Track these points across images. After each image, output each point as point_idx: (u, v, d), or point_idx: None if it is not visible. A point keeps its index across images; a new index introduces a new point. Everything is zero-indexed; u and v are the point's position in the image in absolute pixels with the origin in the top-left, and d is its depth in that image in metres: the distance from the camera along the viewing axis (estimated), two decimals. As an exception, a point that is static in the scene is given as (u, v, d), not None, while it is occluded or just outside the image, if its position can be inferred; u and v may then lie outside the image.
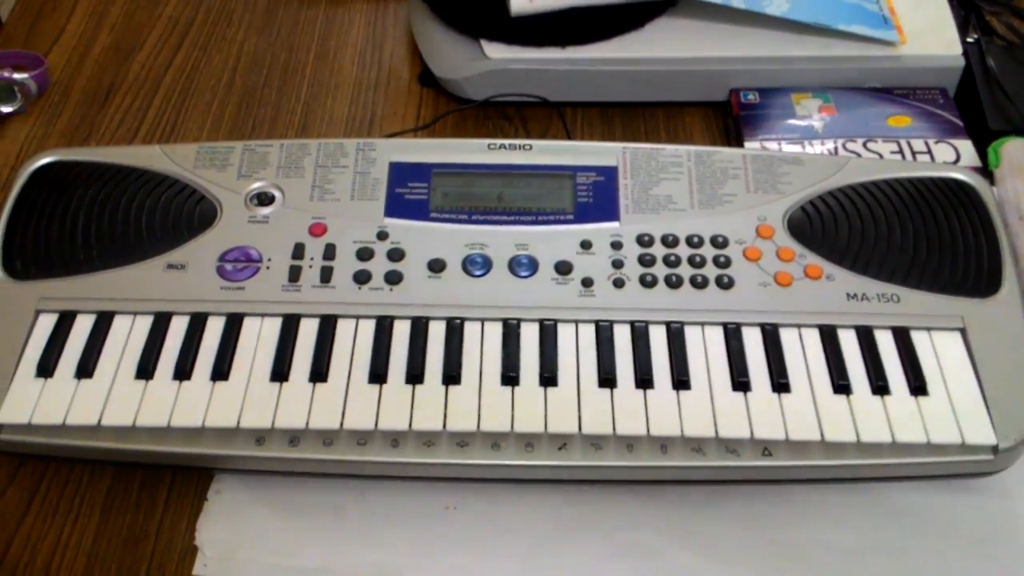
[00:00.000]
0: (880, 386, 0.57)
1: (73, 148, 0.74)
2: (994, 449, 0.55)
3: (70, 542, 0.58)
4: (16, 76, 0.81)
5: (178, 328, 0.60)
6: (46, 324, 0.60)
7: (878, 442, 0.55)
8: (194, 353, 0.59)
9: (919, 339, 0.60)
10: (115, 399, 0.57)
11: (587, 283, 0.62)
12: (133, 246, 0.63)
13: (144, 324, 0.61)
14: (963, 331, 0.60)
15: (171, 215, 0.65)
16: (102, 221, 0.64)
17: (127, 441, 0.57)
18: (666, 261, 0.63)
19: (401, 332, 0.60)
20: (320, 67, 0.87)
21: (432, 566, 0.56)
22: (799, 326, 0.60)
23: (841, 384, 0.57)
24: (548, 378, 0.58)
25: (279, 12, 0.91)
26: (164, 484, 0.60)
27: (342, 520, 0.58)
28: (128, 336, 0.60)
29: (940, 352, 0.59)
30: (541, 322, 0.60)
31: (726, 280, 0.62)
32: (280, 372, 0.58)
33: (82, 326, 0.60)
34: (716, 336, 0.60)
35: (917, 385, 0.57)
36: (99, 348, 0.59)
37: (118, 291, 0.62)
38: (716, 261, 0.63)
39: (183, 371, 0.58)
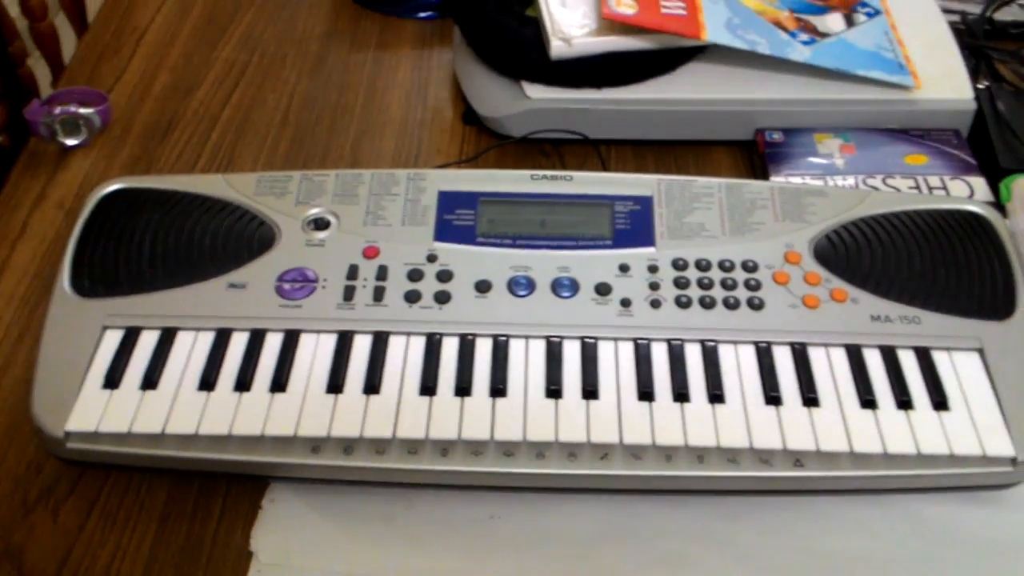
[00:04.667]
0: (904, 401, 0.60)
1: (140, 176, 0.77)
2: (1013, 461, 0.58)
3: (128, 549, 0.59)
4: (81, 111, 0.83)
5: (238, 343, 0.63)
6: (113, 339, 0.63)
7: (903, 453, 0.58)
8: (254, 366, 0.61)
9: (940, 358, 0.62)
10: (179, 409, 0.59)
11: (625, 303, 0.65)
12: (196, 267, 0.66)
13: (206, 339, 0.63)
14: (981, 351, 0.62)
15: (232, 238, 0.67)
16: (167, 243, 0.67)
17: (188, 449, 0.59)
18: (700, 283, 0.66)
19: (450, 348, 0.63)
20: (369, 107, 0.89)
21: (477, 573, 0.58)
22: (826, 345, 0.63)
23: (867, 399, 0.60)
24: (590, 391, 0.60)
25: (330, 56, 0.95)
26: (219, 493, 0.61)
27: (392, 528, 0.60)
28: (191, 350, 0.62)
29: (960, 371, 0.62)
30: (582, 340, 0.63)
31: (757, 302, 0.65)
32: (335, 384, 0.60)
33: (147, 341, 0.63)
34: (748, 354, 0.62)
35: (939, 401, 0.60)
36: (163, 361, 0.62)
37: (181, 308, 0.64)
38: (747, 284, 0.66)
39: (243, 383, 0.61)
